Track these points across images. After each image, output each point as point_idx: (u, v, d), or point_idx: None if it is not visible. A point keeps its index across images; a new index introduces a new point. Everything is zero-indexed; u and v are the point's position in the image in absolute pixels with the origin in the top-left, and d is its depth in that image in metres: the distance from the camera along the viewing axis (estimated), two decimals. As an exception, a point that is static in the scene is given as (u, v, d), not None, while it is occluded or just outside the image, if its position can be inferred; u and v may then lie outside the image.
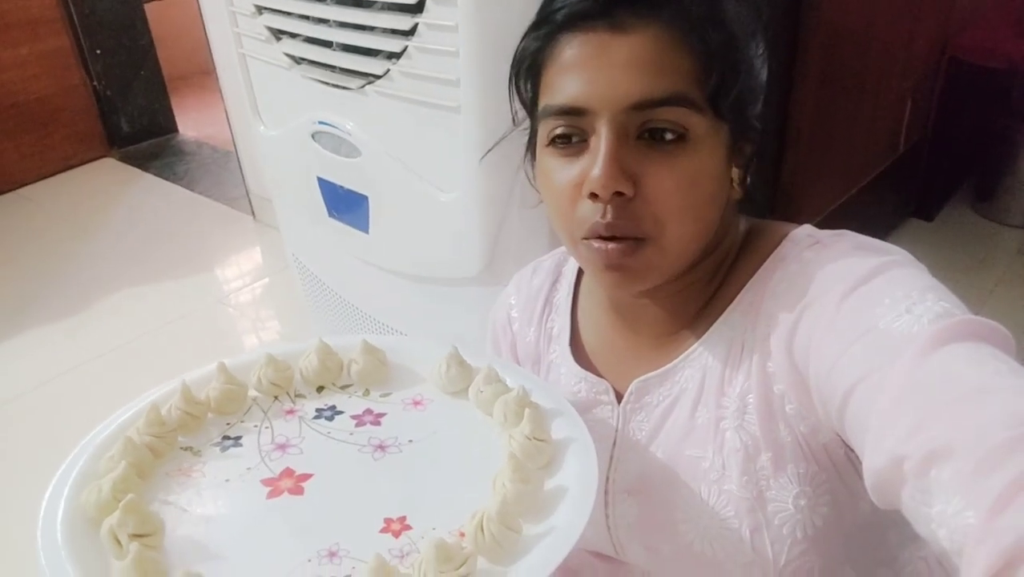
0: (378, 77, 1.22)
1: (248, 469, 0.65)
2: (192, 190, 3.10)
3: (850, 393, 0.50)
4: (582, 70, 0.58)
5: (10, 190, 3.14)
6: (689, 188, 0.58)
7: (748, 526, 0.62)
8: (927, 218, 2.39)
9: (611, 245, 0.60)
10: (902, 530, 0.64)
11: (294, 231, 1.79)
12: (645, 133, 0.58)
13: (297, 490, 0.63)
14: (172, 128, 3.63)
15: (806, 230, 0.64)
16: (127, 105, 3.44)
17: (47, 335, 2.28)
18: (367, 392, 0.74)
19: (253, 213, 2.84)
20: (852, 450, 0.56)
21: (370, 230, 1.43)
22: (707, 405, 0.64)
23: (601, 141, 0.58)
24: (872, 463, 0.46)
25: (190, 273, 2.55)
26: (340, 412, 0.71)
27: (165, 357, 2.09)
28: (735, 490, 0.62)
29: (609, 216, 0.58)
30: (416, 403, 0.72)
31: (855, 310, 0.53)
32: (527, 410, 0.63)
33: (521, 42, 0.64)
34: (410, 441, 0.67)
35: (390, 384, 0.75)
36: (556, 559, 0.53)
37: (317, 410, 0.72)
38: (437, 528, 0.58)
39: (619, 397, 0.71)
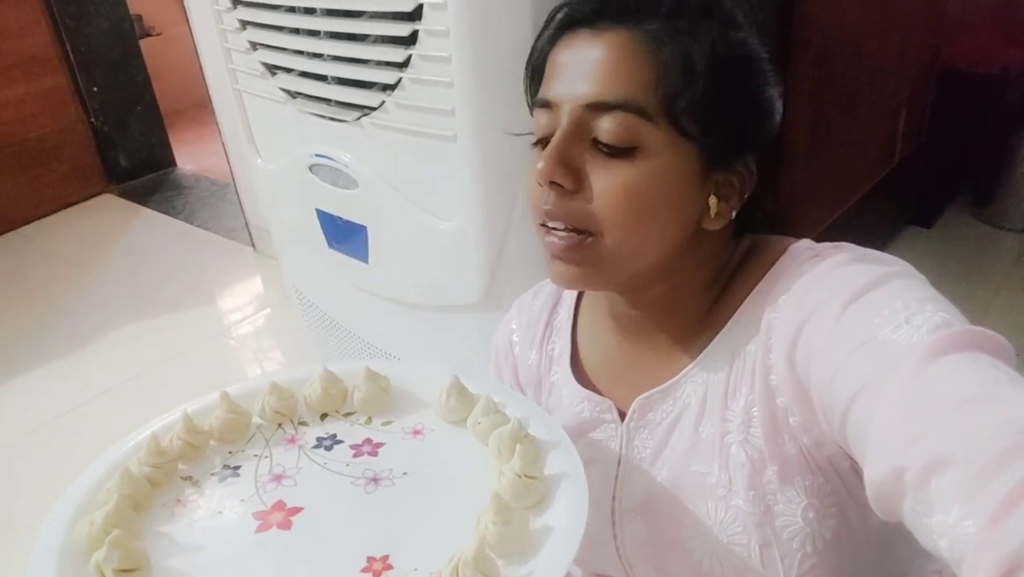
0: (373, 109, 1.23)
1: (242, 501, 0.66)
2: (191, 223, 3.11)
3: (850, 404, 0.50)
4: (561, 68, 0.62)
5: (9, 230, 3.14)
6: (630, 196, 0.59)
7: (757, 541, 0.61)
8: (926, 225, 2.39)
9: (557, 234, 0.62)
10: (912, 544, 0.63)
11: (294, 262, 1.79)
12: (599, 135, 0.59)
13: (285, 525, 0.63)
14: (170, 162, 3.64)
15: (805, 244, 0.64)
16: (125, 141, 3.45)
17: (49, 373, 2.28)
18: (369, 420, 0.74)
19: (253, 244, 2.85)
20: (856, 462, 0.56)
21: (369, 260, 1.43)
22: (711, 420, 0.64)
23: (556, 133, 0.60)
24: (872, 474, 0.46)
25: (191, 306, 2.55)
26: (340, 441, 0.72)
27: (168, 392, 2.08)
28: (743, 505, 0.62)
29: (549, 204, 0.61)
30: (416, 432, 0.72)
31: (854, 321, 0.53)
32: (519, 446, 0.63)
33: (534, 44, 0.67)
34: (404, 474, 0.67)
35: (393, 411, 0.75)
36: None
37: (318, 439, 0.72)
38: (419, 569, 0.57)
39: (622, 416, 0.71)
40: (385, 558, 0.58)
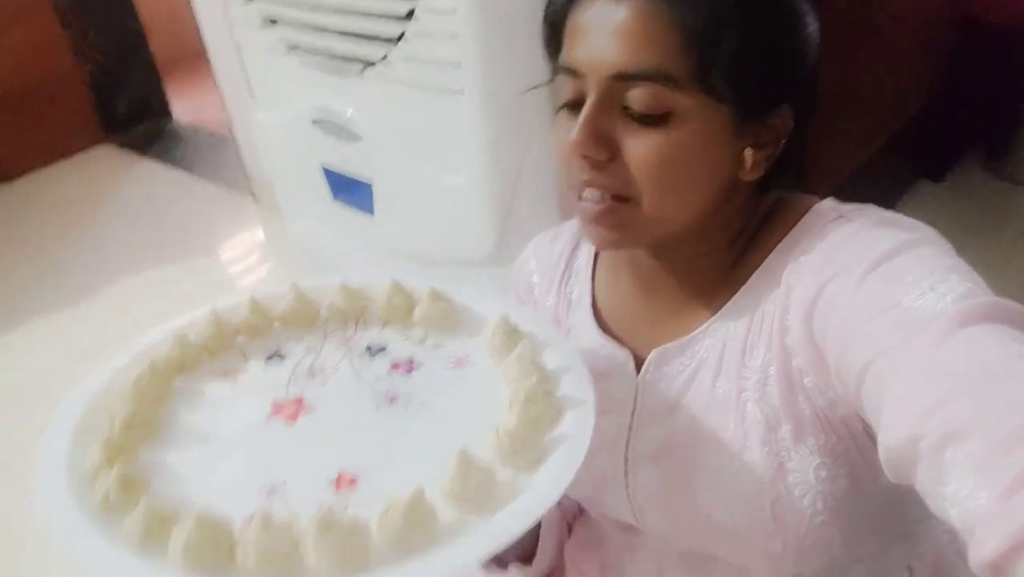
0: (377, 62, 1.20)
1: (271, 386, 0.68)
2: (191, 174, 3.07)
3: (868, 368, 0.50)
4: (583, 34, 0.59)
5: (5, 180, 3.11)
6: (666, 163, 0.58)
7: (769, 497, 0.62)
8: (937, 179, 2.36)
9: (593, 200, 0.61)
10: (922, 504, 0.64)
11: (298, 215, 1.77)
12: (629, 103, 0.58)
13: (292, 418, 0.65)
14: (166, 112, 3.58)
15: (829, 203, 0.63)
16: (120, 90, 3.39)
17: (52, 325, 2.27)
18: (423, 340, 0.74)
19: (254, 195, 2.82)
20: (869, 424, 0.56)
21: (376, 214, 1.41)
22: (727, 376, 0.64)
23: (585, 105, 0.59)
24: (887, 440, 0.46)
25: (193, 258, 2.53)
26: (384, 353, 0.72)
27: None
28: (756, 461, 0.62)
29: (587, 174, 0.60)
30: (458, 362, 0.71)
31: (877, 286, 0.53)
32: (531, 368, 0.64)
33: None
34: (422, 404, 0.67)
35: (450, 333, 0.74)
36: (537, 512, 0.53)
37: (368, 347, 0.73)
38: (383, 495, 0.56)
39: (638, 365, 0.70)
40: (354, 480, 0.59)
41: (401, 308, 0.75)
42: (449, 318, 0.74)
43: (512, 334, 0.70)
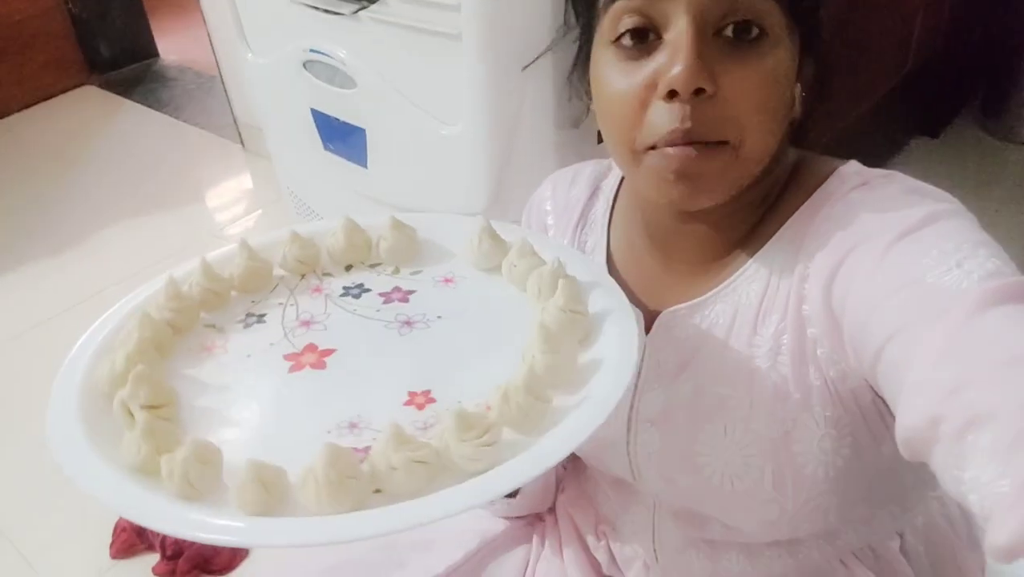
0: (372, 2, 1.16)
1: (271, 345, 0.64)
2: (177, 118, 3.01)
3: (887, 342, 0.49)
4: None
5: (-10, 121, 3.05)
6: (770, 90, 0.55)
7: (770, 465, 0.62)
8: (933, 135, 2.35)
9: (685, 149, 0.55)
10: (916, 472, 0.64)
11: (288, 164, 1.74)
12: (726, 28, 0.53)
13: (319, 364, 0.62)
14: (153, 52, 3.50)
15: (854, 167, 0.61)
16: (105, 29, 3.30)
17: (41, 272, 2.24)
18: (396, 270, 0.72)
19: (242, 142, 2.77)
20: (879, 397, 0.56)
21: (369, 164, 1.39)
22: (738, 342, 0.63)
23: (681, 34, 0.53)
24: (906, 418, 0.45)
25: (181, 205, 2.50)
26: (367, 290, 0.70)
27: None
28: (760, 429, 0.62)
29: (688, 121, 0.54)
30: (447, 280, 0.70)
31: (901, 259, 0.51)
32: (561, 281, 0.61)
33: None
34: (439, 317, 0.66)
35: (421, 261, 0.73)
36: (588, 429, 0.51)
37: (344, 288, 0.70)
38: (463, 401, 0.56)
39: (648, 325, 0.69)
40: (427, 392, 0.58)
41: (362, 247, 0.73)
42: (414, 246, 0.73)
43: (497, 240, 0.70)
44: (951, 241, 0.50)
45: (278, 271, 0.72)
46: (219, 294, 0.68)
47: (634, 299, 0.70)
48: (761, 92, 0.55)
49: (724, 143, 0.55)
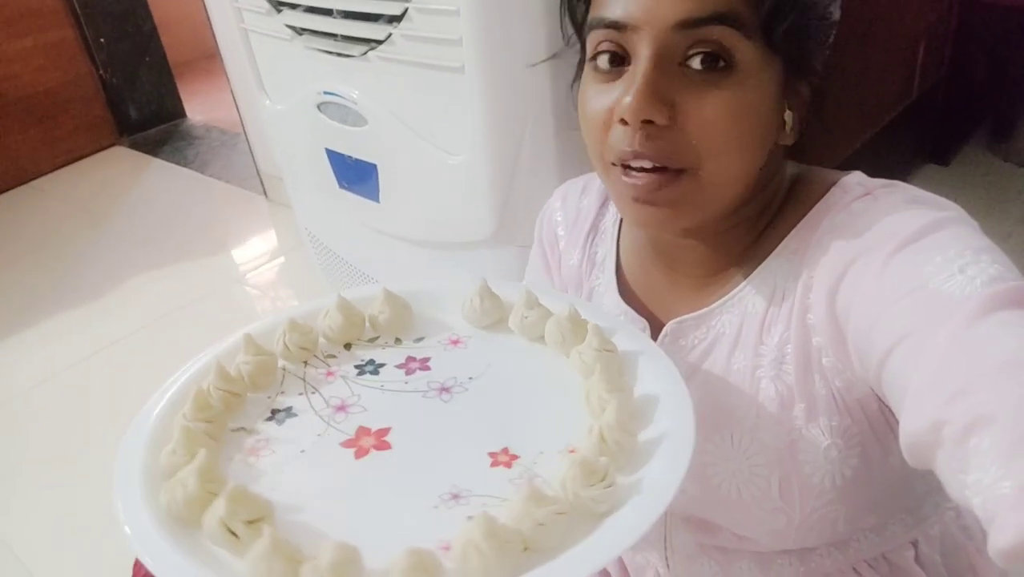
0: (380, 42, 1.22)
1: (319, 436, 0.60)
2: (203, 173, 3.10)
3: (892, 350, 0.49)
4: None
5: (23, 183, 3.15)
6: (732, 121, 0.55)
7: (778, 474, 0.61)
8: (943, 163, 2.35)
9: (642, 175, 0.57)
10: (928, 481, 0.64)
11: (306, 205, 1.79)
12: (690, 58, 0.54)
13: (383, 445, 0.59)
14: (180, 113, 3.63)
15: (856, 178, 0.61)
16: (134, 92, 3.43)
17: (64, 323, 2.30)
18: (398, 341, 0.71)
19: (265, 193, 2.85)
20: (887, 405, 0.55)
21: (381, 199, 1.43)
22: (744, 352, 0.63)
23: (640, 63, 0.55)
24: (910, 424, 0.45)
25: (206, 255, 2.56)
26: (382, 364, 0.68)
27: (186, 338, 2.10)
28: (767, 439, 0.62)
29: (638, 145, 0.55)
30: (454, 342, 0.70)
31: (904, 267, 0.51)
32: (590, 325, 0.62)
33: None
34: (470, 379, 0.65)
35: (418, 329, 0.72)
36: (685, 456, 0.52)
37: (356, 367, 0.68)
38: (544, 451, 0.56)
39: (655, 335, 0.70)
40: (506, 450, 0.57)
41: (358, 323, 0.71)
42: (409, 315, 0.72)
43: (493, 297, 0.70)
44: (954, 248, 0.50)
45: (280, 361, 0.69)
46: (238, 395, 0.64)
47: (642, 309, 0.71)
48: (724, 122, 0.55)
49: (678, 170, 0.57)
